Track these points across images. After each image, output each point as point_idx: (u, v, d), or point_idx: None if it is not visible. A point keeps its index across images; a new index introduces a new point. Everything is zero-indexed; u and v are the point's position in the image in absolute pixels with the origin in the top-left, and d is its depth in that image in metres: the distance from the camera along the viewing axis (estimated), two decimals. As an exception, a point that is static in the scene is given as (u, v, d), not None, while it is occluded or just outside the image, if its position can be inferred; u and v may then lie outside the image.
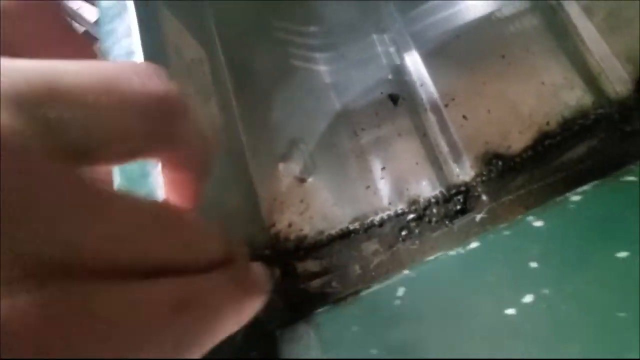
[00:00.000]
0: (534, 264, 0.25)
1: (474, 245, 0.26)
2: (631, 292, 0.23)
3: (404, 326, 0.26)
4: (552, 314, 0.23)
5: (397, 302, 0.27)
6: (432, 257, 0.26)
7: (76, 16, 1.75)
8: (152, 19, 0.33)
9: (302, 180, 0.45)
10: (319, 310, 0.28)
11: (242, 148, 0.44)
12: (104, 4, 0.35)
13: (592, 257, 0.24)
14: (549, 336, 0.23)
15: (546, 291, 0.24)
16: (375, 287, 0.28)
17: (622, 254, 0.23)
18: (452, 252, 0.26)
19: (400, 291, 0.27)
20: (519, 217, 0.33)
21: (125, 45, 0.33)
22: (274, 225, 0.42)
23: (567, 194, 0.25)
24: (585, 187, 0.25)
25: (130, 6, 0.33)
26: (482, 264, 0.26)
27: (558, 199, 0.25)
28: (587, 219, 0.24)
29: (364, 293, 0.28)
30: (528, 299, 0.24)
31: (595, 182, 0.24)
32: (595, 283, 0.23)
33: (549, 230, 0.25)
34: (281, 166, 0.45)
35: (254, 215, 0.41)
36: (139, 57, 0.30)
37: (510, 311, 0.24)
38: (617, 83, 0.39)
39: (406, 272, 0.27)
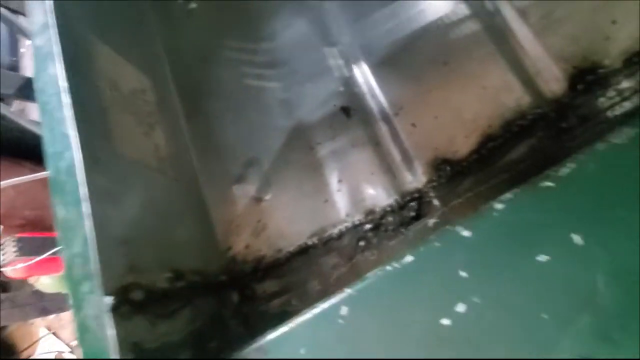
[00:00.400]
0: (463, 273, 0.25)
1: (408, 258, 0.26)
2: (551, 293, 0.24)
3: (348, 344, 0.26)
4: (482, 320, 0.24)
5: (341, 321, 0.27)
6: (371, 274, 0.26)
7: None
8: (84, 56, 0.33)
9: (258, 200, 0.45)
10: (268, 336, 0.28)
11: (194, 174, 0.44)
12: (37, 42, 0.35)
13: (515, 262, 0.25)
14: (480, 341, 0.24)
15: (476, 299, 0.25)
16: (320, 307, 0.28)
17: (542, 258, 0.24)
18: (389, 267, 0.27)
19: (344, 310, 0.27)
20: (449, 227, 0.34)
21: (56, 83, 0.32)
22: (230, 248, 0.42)
23: (492, 202, 0.25)
24: (508, 195, 0.25)
25: (57, 46, 0.33)
26: (417, 277, 0.26)
27: (483, 207, 0.26)
28: (510, 226, 0.25)
29: (309, 315, 0.28)
30: (461, 308, 0.25)
31: (516, 189, 0.25)
32: (519, 287, 0.24)
33: (475, 239, 0.25)
34: (236, 188, 0.45)
35: (208, 241, 0.41)
36: (64, 94, 0.30)
37: (446, 321, 0.25)
38: (553, 82, 0.41)
39: (348, 290, 0.28)
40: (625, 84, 0.38)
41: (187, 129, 0.47)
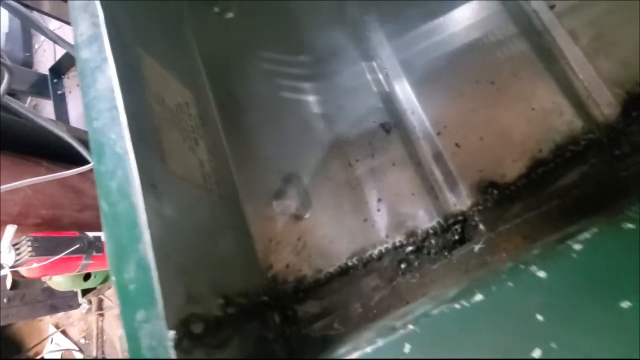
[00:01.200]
0: (540, 317, 0.24)
1: (478, 297, 0.25)
2: (635, 343, 0.22)
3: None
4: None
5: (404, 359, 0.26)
6: (436, 311, 0.25)
7: (57, 38, 1.72)
8: (134, 70, 0.32)
9: (297, 217, 0.44)
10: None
11: (235, 189, 0.43)
12: (83, 55, 0.34)
13: (595, 307, 0.23)
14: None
15: (554, 345, 0.23)
16: (381, 342, 0.27)
17: (625, 305, 0.23)
18: (457, 305, 0.26)
19: (407, 348, 0.26)
20: (522, 266, 0.32)
21: (108, 99, 0.32)
22: (270, 267, 0.41)
23: (569, 242, 0.24)
24: (586, 235, 0.24)
25: (110, 59, 0.32)
26: (489, 317, 0.25)
27: (560, 247, 0.24)
28: (589, 269, 0.24)
29: (369, 349, 0.27)
30: (537, 353, 0.24)
31: (595, 229, 0.24)
32: (600, 334, 0.23)
33: (552, 280, 0.24)
34: (275, 204, 0.44)
35: (250, 260, 0.40)
36: (121, 113, 0.29)
37: (521, 366, 0.24)
38: (605, 107, 0.40)
39: (411, 327, 0.26)
40: (683, 111, 0.37)
41: (226, 142, 0.45)
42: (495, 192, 0.40)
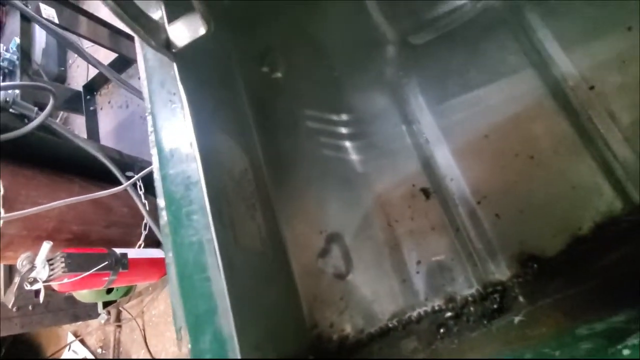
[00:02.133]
0: None
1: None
2: None
3: None
4: None
5: None
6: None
7: (95, 62, 1.78)
8: (212, 150, 0.34)
9: (340, 276, 0.45)
10: None
11: (285, 249, 0.45)
12: (162, 136, 0.36)
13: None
14: None
15: None
16: None
17: None
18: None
19: None
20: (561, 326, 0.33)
21: (186, 176, 0.33)
22: (315, 326, 0.42)
23: (618, 346, 0.25)
24: (634, 341, 0.25)
25: (194, 142, 0.34)
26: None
27: (610, 350, 0.25)
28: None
29: None
30: None
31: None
32: None
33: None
34: (320, 262, 0.46)
35: (298, 320, 0.41)
36: (205, 194, 0.30)
37: None
38: (645, 190, 0.40)
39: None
40: None
41: (274, 201, 0.47)
42: (535, 265, 0.41)
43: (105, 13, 2.44)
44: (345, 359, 0.40)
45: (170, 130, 0.36)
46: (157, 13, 0.39)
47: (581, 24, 0.49)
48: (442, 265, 0.45)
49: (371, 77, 0.57)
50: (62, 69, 2.68)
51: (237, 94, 0.50)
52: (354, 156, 0.52)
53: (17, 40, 1.39)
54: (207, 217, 0.30)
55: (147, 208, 1.40)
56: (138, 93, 1.57)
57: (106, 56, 2.04)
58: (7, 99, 1.11)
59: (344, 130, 0.54)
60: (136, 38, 0.44)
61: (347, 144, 0.53)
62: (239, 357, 0.25)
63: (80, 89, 2.34)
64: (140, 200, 1.40)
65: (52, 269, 1.11)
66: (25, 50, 1.39)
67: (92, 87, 2.17)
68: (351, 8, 0.60)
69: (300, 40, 0.62)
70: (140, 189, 1.56)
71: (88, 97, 2.16)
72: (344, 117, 0.55)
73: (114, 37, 2.08)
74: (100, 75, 2.19)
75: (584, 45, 0.48)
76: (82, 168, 1.40)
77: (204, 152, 0.32)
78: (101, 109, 2.11)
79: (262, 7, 0.57)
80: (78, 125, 2.27)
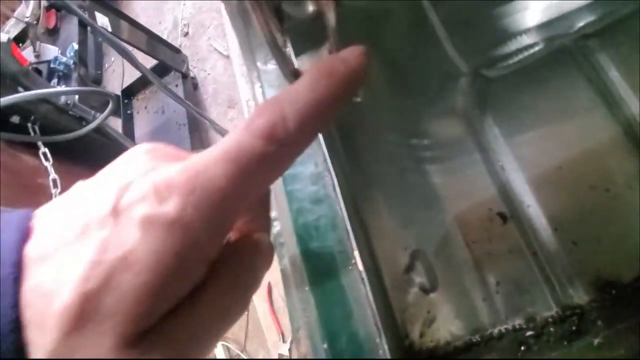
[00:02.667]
0: None
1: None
2: None
3: None
4: None
5: None
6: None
7: (144, 69, 1.84)
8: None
9: (426, 291, 0.48)
10: None
11: (377, 260, 0.48)
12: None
13: None
14: None
15: None
16: None
17: None
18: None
19: None
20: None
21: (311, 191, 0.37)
22: (407, 336, 0.45)
23: None
24: None
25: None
26: None
27: None
28: None
29: None
30: None
31: None
32: None
33: None
34: (406, 277, 0.49)
35: (393, 329, 0.44)
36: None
37: None
38: None
39: None
40: None
41: (364, 219, 0.51)
42: (613, 291, 0.44)
43: (144, 19, 2.51)
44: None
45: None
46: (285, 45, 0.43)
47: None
48: (521, 287, 0.48)
49: (446, 106, 0.61)
50: (99, 72, 2.77)
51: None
52: (432, 179, 0.56)
53: (75, 45, 1.46)
54: (338, 230, 0.34)
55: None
56: (178, 99, 1.62)
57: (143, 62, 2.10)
58: (68, 102, 1.17)
59: (422, 154, 0.58)
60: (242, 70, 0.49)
61: (426, 167, 0.57)
62: (388, 357, 0.28)
63: (117, 91, 2.41)
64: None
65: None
66: (82, 56, 1.46)
67: (130, 91, 2.25)
68: (426, 40, 0.64)
69: (376, 67, 0.66)
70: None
71: (126, 101, 2.23)
72: (423, 141, 0.58)
73: (151, 43, 2.16)
74: (138, 80, 2.26)
75: (653, 89, 0.52)
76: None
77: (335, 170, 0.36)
78: (137, 113, 2.18)
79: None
80: (113, 127, 2.35)
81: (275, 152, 0.18)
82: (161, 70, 2.12)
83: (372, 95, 0.64)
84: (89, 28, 1.57)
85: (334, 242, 0.34)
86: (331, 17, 0.36)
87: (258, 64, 0.49)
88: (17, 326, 0.14)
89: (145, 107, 2.17)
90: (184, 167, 0.17)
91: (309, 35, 0.41)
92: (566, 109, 0.55)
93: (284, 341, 0.98)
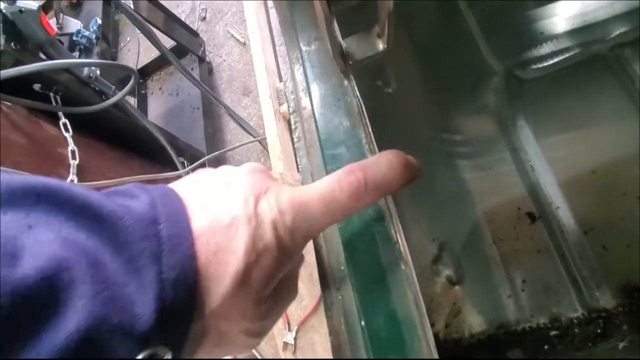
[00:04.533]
0: None
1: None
2: None
3: None
4: None
5: None
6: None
7: (164, 48, 1.81)
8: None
9: (452, 283, 0.48)
10: None
11: (406, 250, 0.47)
12: (325, 133, 0.39)
13: None
14: None
15: None
16: None
17: None
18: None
19: None
20: None
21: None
22: (433, 325, 0.45)
23: None
24: None
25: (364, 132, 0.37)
26: None
27: None
28: None
29: None
30: None
31: None
32: None
33: None
34: (433, 268, 0.48)
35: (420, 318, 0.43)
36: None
37: None
38: None
39: None
40: None
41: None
42: (641, 298, 0.44)
43: (162, 1, 2.46)
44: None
45: (335, 133, 0.39)
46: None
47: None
48: (547, 286, 0.47)
49: (479, 104, 0.60)
50: (114, 50, 2.73)
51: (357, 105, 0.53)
52: (462, 174, 0.55)
53: (99, 20, 1.44)
54: (378, 208, 0.33)
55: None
56: (195, 81, 1.60)
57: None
58: (91, 75, 1.15)
59: (453, 149, 0.57)
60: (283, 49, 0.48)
61: (457, 162, 0.56)
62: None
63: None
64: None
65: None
66: (104, 32, 1.44)
67: (146, 71, 2.22)
68: (462, 38, 0.63)
69: (410, 60, 0.65)
70: (190, 173, 1.59)
71: (140, 80, 2.21)
72: (454, 137, 0.58)
73: (170, 24, 2.13)
74: (153, 61, 2.23)
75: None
76: (142, 147, 1.44)
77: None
78: (152, 93, 2.16)
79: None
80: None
81: (352, 204, 0.25)
82: (178, 52, 2.09)
83: (405, 87, 0.63)
84: (112, 4, 1.55)
85: (375, 221, 0.33)
86: (389, 2, 0.35)
87: (301, 44, 0.48)
88: (195, 276, 0.19)
89: (160, 88, 2.14)
90: (294, 195, 0.23)
91: (355, 19, 0.40)
92: (599, 115, 0.54)
93: (289, 329, 0.97)
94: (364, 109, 0.38)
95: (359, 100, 0.39)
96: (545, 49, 0.62)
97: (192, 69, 2.11)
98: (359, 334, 0.32)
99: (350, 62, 0.40)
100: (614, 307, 0.44)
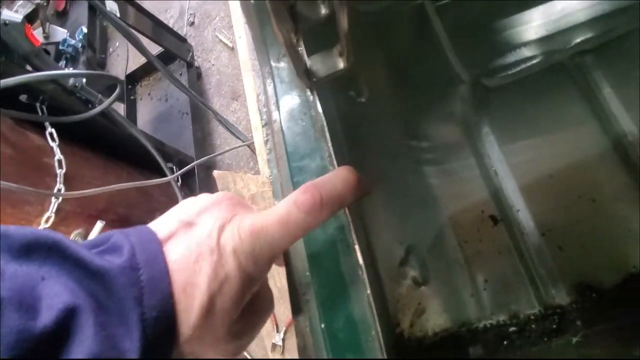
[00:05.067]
0: None
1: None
2: None
3: None
4: None
5: None
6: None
7: (151, 56, 1.83)
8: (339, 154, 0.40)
9: (418, 284, 0.50)
10: None
11: (374, 252, 0.50)
12: (292, 146, 0.41)
13: None
14: None
15: None
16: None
17: None
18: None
19: None
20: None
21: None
22: (398, 325, 0.47)
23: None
24: None
25: (325, 146, 0.40)
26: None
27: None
28: None
29: None
30: None
31: None
32: None
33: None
34: (400, 270, 0.51)
35: (384, 318, 0.46)
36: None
37: None
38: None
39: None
40: None
41: (364, 212, 0.53)
42: (594, 295, 0.47)
43: (150, 6, 2.47)
44: (422, 356, 0.45)
45: (301, 146, 0.42)
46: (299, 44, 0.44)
47: (640, 86, 0.56)
48: (507, 285, 0.50)
49: (446, 112, 0.63)
50: (103, 56, 2.74)
51: (332, 115, 0.56)
52: (429, 180, 0.58)
53: (84, 29, 1.45)
54: (339, 219, 0.36)
55: (183, 197, 1.44)
56: (183, 87, 1.62)
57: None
58: (76, 84, 1.17)
59: (421, 155, 0.60)
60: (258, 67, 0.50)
61: (425, 168, 0.59)
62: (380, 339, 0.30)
63: (120, 76, 2.39)
64: (180, 193, 1.45)
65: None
66: (90, 40, 1.46)
67: (135, 77, 2.24)
68: (431, 47, 0.66)
69: (381, 70, 0.68)
70: (178, 181, 1.61)
71: (129, 86, 2.22)
72: (422, 144, 0.60)
73: (157, 31, 2.14)
74: (142, 67, 2.25)
75: (642, 105, 0.54)
76: (130, 154, 1.45)
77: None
78: (141, 99, 2.17)
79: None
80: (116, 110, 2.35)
81: (309, 222, 0.27)
82: (166, 58, 2.11)
83: (376, 96, 0.65)
84: (98, 13, 1.57)
85: (336, 230, 0.36)
86: (343, 21, 0.38)
87: (271, 60, 0.50)
88: (172, 312, 0.22)
89: (149, 94, 2.16)
90: (254, 222, 0.26)
91: (320, 37, 0.43)
92: (560, 121, 0.57)
93: (277, 331, 1.00)
94: (325, 124, 0.40)
95: (322, 116, 0.41)
96: (511, 58, 0.65)
97: (180, 75, 2.13)
98: (320, 336, 0.34)
99: (315, 80, 0.43)
100: (569, 303, 0.47)
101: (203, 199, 0.29)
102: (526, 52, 0.65)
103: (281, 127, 0.45)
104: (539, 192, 0.54)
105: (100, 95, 1.23)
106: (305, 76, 0.43)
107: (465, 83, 0.65)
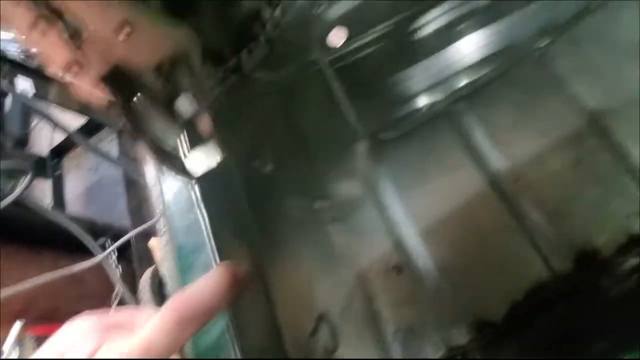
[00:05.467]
0: None
1: None
2: None
3: None
4: None
5: None
6: None
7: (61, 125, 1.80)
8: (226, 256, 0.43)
9: (329, 352, 0.53)
10: None
11: (279, 325, 0.52)
12: (180, 240, 0.44)
13: None
14: None
15: None
16: None
17: None
18: None
19: None
20: None
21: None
22: (313, 396, 0.49)
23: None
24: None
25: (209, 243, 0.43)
26: None
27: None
28: None
29: None
30: None
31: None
32: None
33: None
34: (311, 341, 0.54)
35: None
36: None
37: None
38: (561, 263, 0.53)
39: None
40: None
41: (271, 285, 0.56)
42: (489, 329, 0.52)
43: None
44: None
45: (189, 242, 0.45)
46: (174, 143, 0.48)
47: (508, 127, 0.65)
48: (415, 332, 0.54)
49: (347, 169, 0.68)
50: (25, 132, 2.65)
51: (237, 192, 0.60)
52: (336, 239, 0.62)
53: (-7, 114, 1.42)
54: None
55: (120, 275, 1.40)
56: (108, 157, 1.60)
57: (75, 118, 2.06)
58: (-17, 175, 1.13)
59: (325, 216, 0.64)
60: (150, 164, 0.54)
61: (330, 228, 0.63)
62: None
63: (45, 151, 2.32)
64: (114, 271, 1.40)
65: (22, 352, 1.09)
66: (6, 123, 1.42)
67: (60, 150, 2.18)
68: (331, 108, 0.73)
69: (285, 136, 0.74)
70: (112, 257, 1.55)
71: (55, 160, 2.15)
72: (325, 204, 0.65)
73: (82, 101, 2.11)
74: (67, 140, 2.20)
75: (509, 145, 0.63)
76: (53, 239, 1.39)
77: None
78: (68, 173, 2.11)
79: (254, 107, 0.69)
80: (41, 188, 2.24)
81: (178, 338, 0.28)
82: (96, 125, 2.09)
83: (281, 165, 0.70)
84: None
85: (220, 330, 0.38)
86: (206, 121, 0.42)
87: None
88: None
89: (77, 165, 2.11)
90: (119, 351, 0.27)
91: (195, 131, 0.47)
92: (444, 167, 0.64)
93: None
94: (208, 222, 0.44)
95: (204, 210, 0.45)
96: (402, 111, 0.73)
97: (110, 141, 2.10)
98: None
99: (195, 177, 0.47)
100: (468, 342, 0.52)
101: (70, 331, 0.31)
102: (414, 104, 0.74)
103: (170, 223, 0.48)
104: (434, 237, 0.59)
105: (11, 184, 1.19)
106: (186, 175, 0.46)
107: (363, 139, 0.72)
